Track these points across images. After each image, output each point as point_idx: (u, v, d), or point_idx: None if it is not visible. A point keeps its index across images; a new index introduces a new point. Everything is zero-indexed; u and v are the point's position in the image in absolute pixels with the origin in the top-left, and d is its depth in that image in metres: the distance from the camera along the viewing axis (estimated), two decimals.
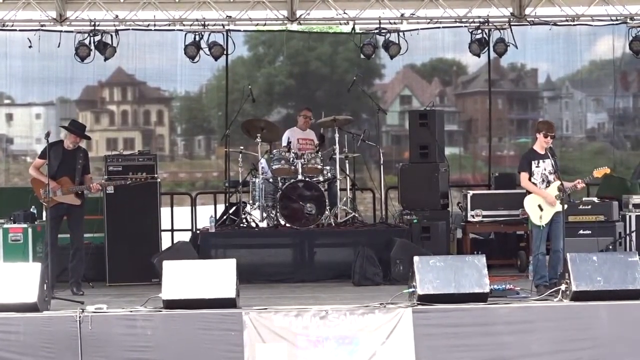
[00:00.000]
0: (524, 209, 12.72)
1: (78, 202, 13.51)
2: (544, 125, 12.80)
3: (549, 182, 12.59)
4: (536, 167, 12.60)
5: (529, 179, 12.60)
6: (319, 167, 15.25)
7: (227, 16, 16.49)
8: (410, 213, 15.47)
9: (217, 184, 18.77)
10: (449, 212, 16.02)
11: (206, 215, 15.97)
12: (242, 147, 15.83)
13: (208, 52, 16.33)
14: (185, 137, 19.97)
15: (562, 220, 12.46)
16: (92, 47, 16.02)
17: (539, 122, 13.15)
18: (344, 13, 16.62)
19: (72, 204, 13.47)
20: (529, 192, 12.66)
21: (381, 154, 15.95)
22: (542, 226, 12.50)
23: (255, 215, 15.30)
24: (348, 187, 15.62)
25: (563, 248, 12.20)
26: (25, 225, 14.54)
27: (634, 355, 10.80)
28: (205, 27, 16.32)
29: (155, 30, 16.79)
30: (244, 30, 17.71)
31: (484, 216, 15.58)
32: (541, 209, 12.50)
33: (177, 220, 17.37)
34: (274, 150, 15.49)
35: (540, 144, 12.66)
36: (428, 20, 16.79)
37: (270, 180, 15.33)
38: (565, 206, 12.57)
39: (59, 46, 16.41)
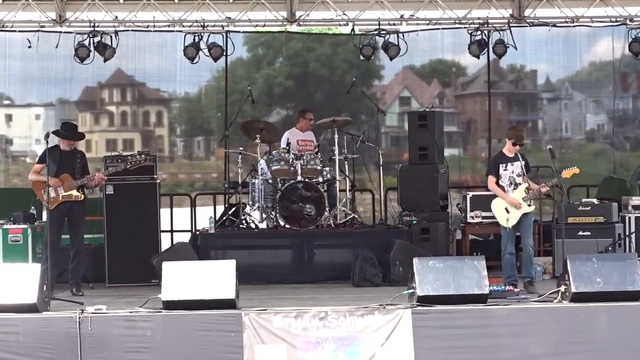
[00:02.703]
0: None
1: (81, 196, 13.45)
2: (514, 133, 12.98)
3: (516, 185, 12.84)
4: (504, 170, 12.89)
5: (497, 183, 12.81)
6: (319, 168, 15.25)
7: (227, 17, 16.45)
8: (410, 214, 15.46)
9: (216, 185, 18.75)
10: (448, 213, 16.00)
11: (206, 216, 15.96)
12: (241, 148, 15.87)
13: (207, 53, 16.28)
14: (184, 138, 19.98)
15: (532, 218, 12.83)
16: (92, 48, 15.98)
17: (510, 128, 13.45)
18: (344, 14, 16.59)
19: (75, 201, 13.41)
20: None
21: (380, 155, 15.95)
22: (509, 228, 12.79)
23: (254, 217, 15.29)
24: (347, 188, 15.61)
25: (559, 247, 12.29)
26: (25, 226, 14.53)
27: (632, 356, 10.80)
28: (205, 28, 16.29)
29: (154, 31, 16.75)
30: (244, 32, 17.66)
31: (483, 217, 15.54)
32: (508, 212, 12.82)
33: (176, 221, 17.34)
34: (274, 151, 15.49)
35: (509, 148, 12.87)
36: (427, 22, 16.76)
37: (270, 181, 15.32)
38: (533, 208, 12.90)
39: (57, 47, 16.40)
